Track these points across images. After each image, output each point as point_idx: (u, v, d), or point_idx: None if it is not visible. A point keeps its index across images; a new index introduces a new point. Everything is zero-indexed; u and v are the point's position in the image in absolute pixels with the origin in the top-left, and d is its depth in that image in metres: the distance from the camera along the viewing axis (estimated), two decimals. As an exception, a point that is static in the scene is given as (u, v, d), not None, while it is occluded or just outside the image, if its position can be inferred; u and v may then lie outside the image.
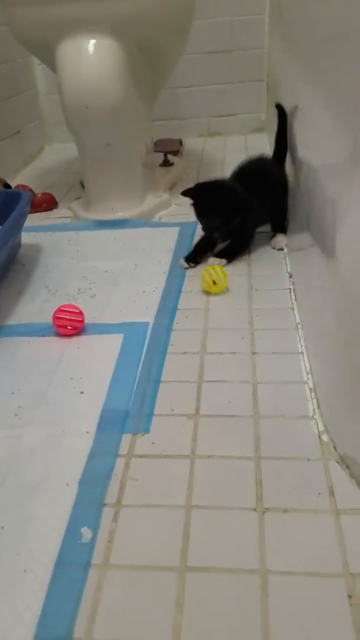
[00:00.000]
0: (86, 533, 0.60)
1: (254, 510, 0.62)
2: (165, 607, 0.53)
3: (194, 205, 1.14)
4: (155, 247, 1.26)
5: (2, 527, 0.61)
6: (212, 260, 1.15)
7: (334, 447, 0.68)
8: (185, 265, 1.16)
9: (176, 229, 1.33)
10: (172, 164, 1.72)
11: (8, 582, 0.56)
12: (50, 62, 1.35)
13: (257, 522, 0.60)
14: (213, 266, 1.07)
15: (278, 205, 1.21)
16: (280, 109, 1.28)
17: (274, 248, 1.21)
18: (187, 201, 1.51)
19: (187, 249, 1.23)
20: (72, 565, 0.57)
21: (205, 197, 1.12)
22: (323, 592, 0.53)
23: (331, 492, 0.63)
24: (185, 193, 1.14)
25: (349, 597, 0.53)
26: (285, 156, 1.29)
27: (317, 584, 0.54)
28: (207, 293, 1.05)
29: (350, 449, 0.66)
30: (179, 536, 0.60)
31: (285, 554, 0.57)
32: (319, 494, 0.63)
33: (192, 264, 1.16)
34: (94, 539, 0.60)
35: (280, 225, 1.23)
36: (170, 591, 0.54)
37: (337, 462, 0.66)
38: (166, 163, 1.71)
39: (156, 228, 1.37)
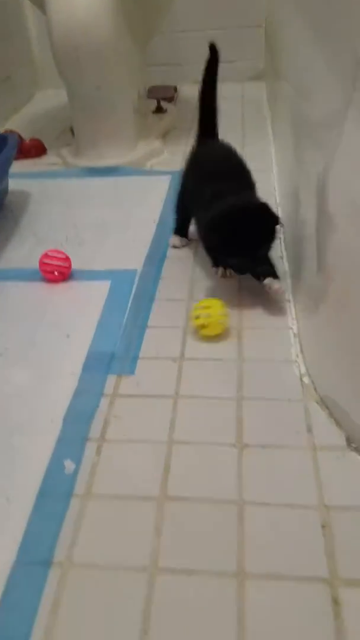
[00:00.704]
0: (69, 465, 0.62)
1: (234, 446, 0.63)
2: (144, 533, 0.55)
3: (225, 242, 0.83)
4: (146, 195, 1.24)
5: (-13, 460, 0.63)
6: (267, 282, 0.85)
7: (315, 389, 0.69)
8: (178, 242, 1.04)
9: (167, 178, 1.31)
10: (165, 111, 1.67)
11: (-8, 510, 0.58)
12: (39, 1, 1.29)
13: (237, 456, 0.62)
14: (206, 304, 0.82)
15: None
16: (212, 50, 1.00)
17: None
18: (180, 149, 1.50)
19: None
20: (55, 495, 0.58)
21: (242, 227, 0.81)
22: (298, 522, 0.55)
23: (309, 430, 0.64)
24: (215, 229, 0.83)
25: (323, 527, 0.55)
26: (216, 127, 1.03)
27: (292, 514, 0.56)
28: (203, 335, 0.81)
29: (330, 390, 0.67)
30: (159, 469, 0.61)
31: (263, 487, 0.58)
32: (298, 432, 0.64)
33: (184, 240, 1.04)
34: (76, 470, 0.61)
35: None
36: (149, 518, 0.56)
37: (317, 403, 0.68)
38: (159, 110, 1.66)
39: (147, 176, 1.34)
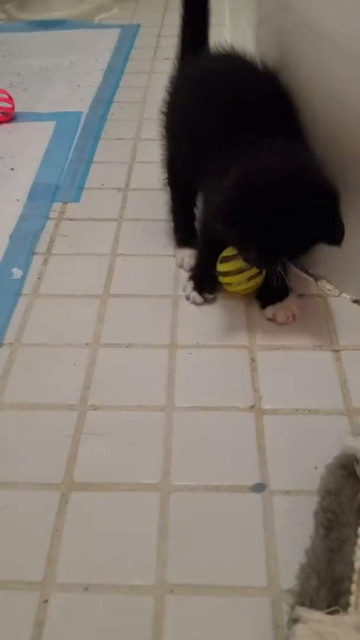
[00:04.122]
0: (17, 272, 0.65)
1: (173, 256, 0.68)
2: (89, 321, 0.60)
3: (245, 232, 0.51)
4: (93, 46, 1.19)
5: None
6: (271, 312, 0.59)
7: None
8: (200, 299, 0.62)
9: (117, 31, 1.25)
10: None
11: None
12: None
13: (173, 264, 0.67)
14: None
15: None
16: None
17: None
18: (131, 5, 1.42)
19: (128, 51, 1.17)
20: (3, 294, 0.63)
21: (274, 209, 0.49)
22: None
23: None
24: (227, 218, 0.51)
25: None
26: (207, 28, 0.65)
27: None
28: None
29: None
30: (103, 274, 0.66)
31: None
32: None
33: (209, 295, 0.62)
34: (24, 276, 0.65)
35: None
36: (93, 310, 0.61)
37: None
38: None
39: (95, 29, 1.28)
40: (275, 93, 0.56)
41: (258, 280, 0.59)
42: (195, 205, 0.66)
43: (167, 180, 0.67)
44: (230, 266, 0.59)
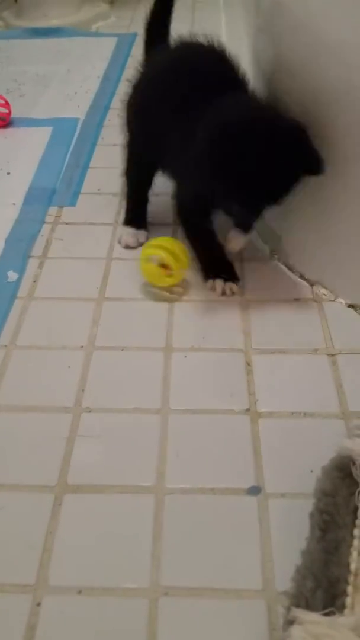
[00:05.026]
0: (12, 275, 0.65)
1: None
2: (84, 325, 0.60)
3: (240, 171, 0.52)
4: (90, 54, 1.20)
5: None
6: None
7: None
8: (132, 240, 0.70)
9: (114, 40, 1.27)
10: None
11: None
12: None
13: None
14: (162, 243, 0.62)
15: None
16: None
17: None
18: (128, 15, 1.43)
19: (124, 59, 1.18)
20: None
21: (271, 151, 0.51)
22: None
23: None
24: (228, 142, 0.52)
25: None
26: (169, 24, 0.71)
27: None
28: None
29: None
30: (99, 277, 0.66)
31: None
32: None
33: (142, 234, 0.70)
34: (19, 279, 0.65)
35: None
36: (88, 313, 0.61)
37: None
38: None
39: (92, 37, 1.29)
40: (224, 67, 0.61)
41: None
42: (151, 188, 0.71)
43: (128, 163, 0.71)
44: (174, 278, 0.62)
